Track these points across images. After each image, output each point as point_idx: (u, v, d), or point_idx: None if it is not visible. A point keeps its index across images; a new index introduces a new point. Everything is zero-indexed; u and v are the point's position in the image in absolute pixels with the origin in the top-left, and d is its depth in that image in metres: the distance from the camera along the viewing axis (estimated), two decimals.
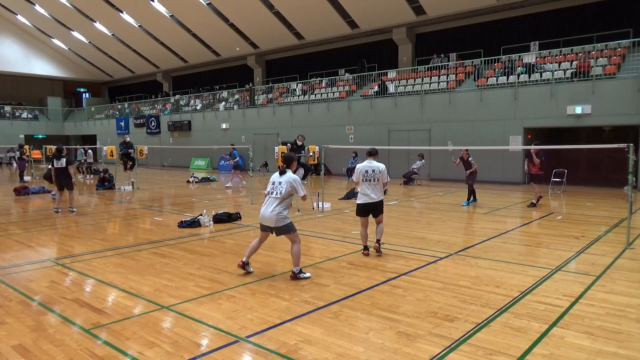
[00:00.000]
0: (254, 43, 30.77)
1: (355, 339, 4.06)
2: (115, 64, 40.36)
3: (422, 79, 21.64)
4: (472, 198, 12.89)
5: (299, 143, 12.58)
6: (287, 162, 6.01)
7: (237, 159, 19.20)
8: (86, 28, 35.60)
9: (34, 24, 37.86)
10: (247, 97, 29.00)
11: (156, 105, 36.45)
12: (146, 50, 36.55)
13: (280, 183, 5.77)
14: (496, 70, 19.67)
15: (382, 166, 6.93)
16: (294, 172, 6.05)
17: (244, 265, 6.08)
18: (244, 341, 4.05)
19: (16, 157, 22.59)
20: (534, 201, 12.15)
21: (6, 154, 28.76)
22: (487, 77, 19.46)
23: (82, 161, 23.89)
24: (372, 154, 7.09)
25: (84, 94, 46.80)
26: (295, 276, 5.78)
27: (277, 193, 5.74)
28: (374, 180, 6.88)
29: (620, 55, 17.24)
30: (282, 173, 5.86)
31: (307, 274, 5.90)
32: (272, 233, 5.90)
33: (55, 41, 39.76)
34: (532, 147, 12.04)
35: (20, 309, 4.86)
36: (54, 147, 21.15)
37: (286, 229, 5.74)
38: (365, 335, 4.13)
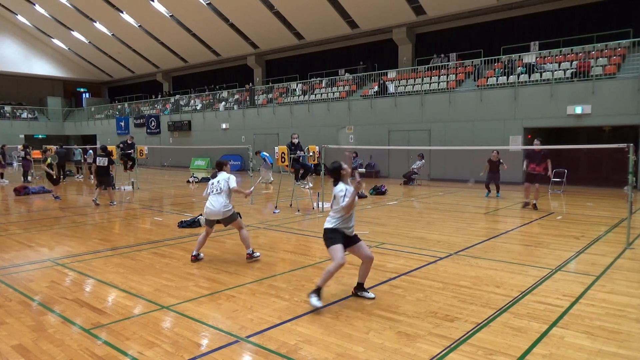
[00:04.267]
0: (254, 43, 30.77)
1: (355, 339, 4.06)
2: (115, 64, 40.37)
3: (422, 79, 21.64)
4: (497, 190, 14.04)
5: (295, 142, 12.53)
6: (219, 167, 7.00)
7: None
8: (86, 28, 35.60)
9: (34, 24, 37.86)
10: (247, 97, 29.01)
11: (156, 105, 36.46)
12: (146, 50, 36.55)
13: (218, 182, 6.73)
14: (496, 70, 19.67)
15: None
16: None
17: (196, 258, 6.84)
18: (244, 341, 4.05)
19: (20, 157, 22.61)
20: (535, 201, 11.79)
21: (19, 153, 28.74)
22: (487, 77, 19.46)
23: (82, 161, 23.89)
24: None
25: (84, 94, 46.79)
26: (251, 256, 6.74)
27: (217, 190, 6.68)
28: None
29: (620, 55, 17.24)
30: (214, 176, 6.89)
31: (258, 254, 6.84)
32: (218, 224, 6.83)
33: (55, 41, 39.76)
34: (537, 146, 11.45)
35: (20, 309, 4.86)
36: (53, 147, 21.26)
37: (232, 218, 6.72)
38: (365, 335, 4.13)
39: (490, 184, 14.15)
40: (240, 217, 6.96)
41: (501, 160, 13.82)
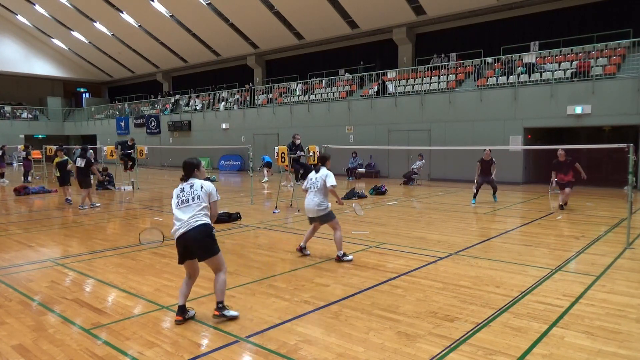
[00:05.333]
0: (254, 43, 30.77)
1: (355, 339, 4.05)
2: (115, 64, 40.36)
3: (422, 79, 21.64)
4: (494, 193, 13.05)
5: (297, 142, 12.53)
6: (322, 161, 6.90)
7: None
8: (86, 28, 35.61)
9: (34, 24, 37.87)
10: (247, 97, 29.01)
11: (156, 105, 36.46)
12: (146, 50, 36.55)
13: (316, 178, 6.69)
14: (496, 70, 19.67)
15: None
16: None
17: (301, 249, 7.01)
18: (244, 341, 4.05)
19: (21, 157, 22.60)
20: (561, 203, 11.47)
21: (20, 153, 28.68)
22: (487, 77, 19.46)
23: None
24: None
25: (84, 94, 46.79)
26: (340, 259, 6.56)
27: (314, 187, 6.65)
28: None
29: (620, 55, 17.24)
30: (317, 171, 6.79)
31: (350, 257, 6.65)
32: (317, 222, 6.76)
33: (55, 41, 39.75)
34: (562, 155, 10.87)
35: (20, 309, 4.86)
36: (54, 147, 21.26)
37: (327, 217, 6.61)
38: (365, 335, 4.13)
39: (482, 187, 12.78)
40: (335, 218, 6.71)
41: (494, 160, 12.60)
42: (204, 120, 30.28)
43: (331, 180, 6.54)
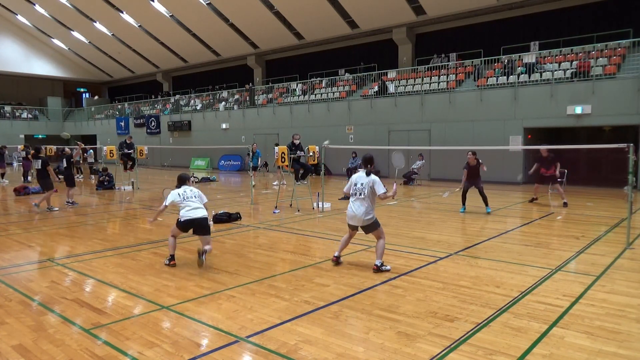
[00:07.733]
0: (254, 43, 30.78)
1: (355, 339, 4.06)
2: (115, 64, 40.37)
3: (422, 79, 21.64)
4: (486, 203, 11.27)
5: (296, 142, 12.51)
6: (366, 163, 6.29)
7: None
8: (86, 28, 35.61)
9: (34, 24, 37.87)
10: (247, 97, 29.02)
11: (156, 105, 36.46)
12: (146, 50, 36.55)
13: (362, 184, 6.11)
14: (496, 70, 19.67)
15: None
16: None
17: (337, 259, 6.52)
18: (244, 341, 4.05)
19: (21, 157, 22.61)
20: (564, 200, 12.33)
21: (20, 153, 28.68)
22: (487, 77, 19.46)
23: (81, 161, 23.88)
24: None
25: (84, 94, 46.79)
26: (378, 269, 6.06)
27: (360, 193, 6.10)
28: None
29: (620, 55, 17.24)
30: (367, 174, 6.17)
31: (388, 267, 6.16)
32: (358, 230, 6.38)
33: (55, 41, 39.76)
34: (545, 151, 12.17)
35: (20, 309, 4.86)
36: (54, 148, 21.27)
37: (373, 226, 6.18)
38: (365, 335, 4.13)
39: (469, 192, 11.51)
40: (380, 226, 6.24)
41: (480, 161, 11.36)
42: (204, 120, 30.28)
43: (381, 188, 5.99)
